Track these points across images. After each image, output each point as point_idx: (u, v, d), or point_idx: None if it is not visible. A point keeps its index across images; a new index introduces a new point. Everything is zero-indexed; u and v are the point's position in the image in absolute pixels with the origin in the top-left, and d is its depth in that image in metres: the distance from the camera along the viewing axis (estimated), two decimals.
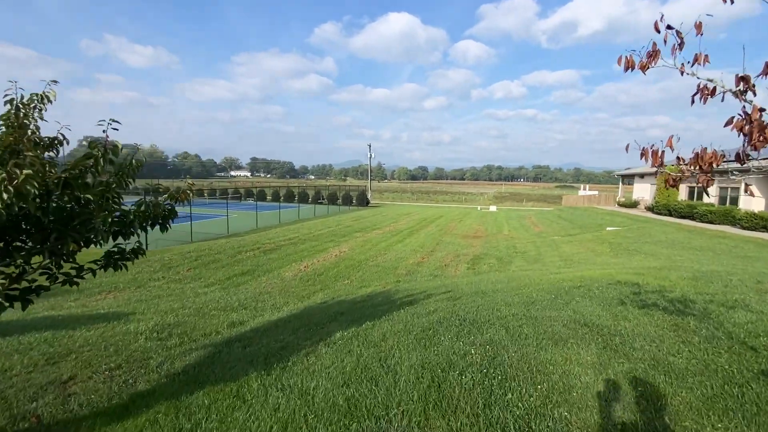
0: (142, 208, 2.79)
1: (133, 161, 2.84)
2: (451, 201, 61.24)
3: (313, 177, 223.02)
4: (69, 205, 2.47)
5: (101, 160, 2.43)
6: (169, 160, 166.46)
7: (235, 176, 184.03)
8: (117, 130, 2.71)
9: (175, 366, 4.17)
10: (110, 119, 2.71)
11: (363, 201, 42.27)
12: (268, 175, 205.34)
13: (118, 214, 2.69)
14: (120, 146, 2.63)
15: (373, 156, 52.44)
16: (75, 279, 2.66)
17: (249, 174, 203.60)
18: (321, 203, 39.02)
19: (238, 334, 5.57)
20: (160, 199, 2.83)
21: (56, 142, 3.13)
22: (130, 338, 5.32)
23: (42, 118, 3.25)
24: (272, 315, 7.08)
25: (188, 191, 2.86)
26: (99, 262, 2.81)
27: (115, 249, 2.82)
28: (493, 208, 43.45)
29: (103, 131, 2.63)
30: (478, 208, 45.37)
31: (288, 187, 42.92)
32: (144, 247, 2.98)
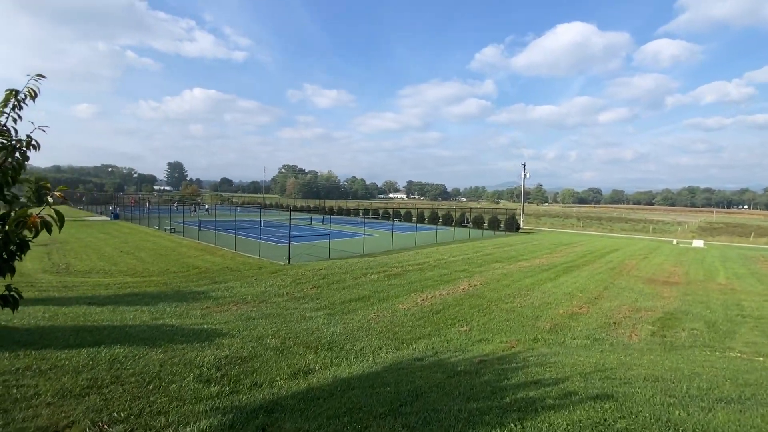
0: None
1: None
2: (632, 231, 49.55)
3: (464, 199, 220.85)
4: None
5: None
6: (341, 183, 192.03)
7: (392, 198, 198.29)
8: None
9: None
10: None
11: (512, 226, 37.97)
12: (421, 197, 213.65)
13: None
14: None
15: (527, 176, 47.22)
16: None
17: (404, 196, 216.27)
18: (465, 226, 36.76)
19: (285, 395, 4.31)
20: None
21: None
22: (184, 373, 4.71)
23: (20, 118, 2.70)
24: (350, 366, 5.67)
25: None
26: None
27: None
28: (698, 243, 32.60)
29: None
30: (674, 242, 34.88)
31: (433, 209, 42.32)
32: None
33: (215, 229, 23.97)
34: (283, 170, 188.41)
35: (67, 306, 8.48)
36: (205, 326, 7.49)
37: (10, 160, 1.85)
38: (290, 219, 17.52)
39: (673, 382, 4.42)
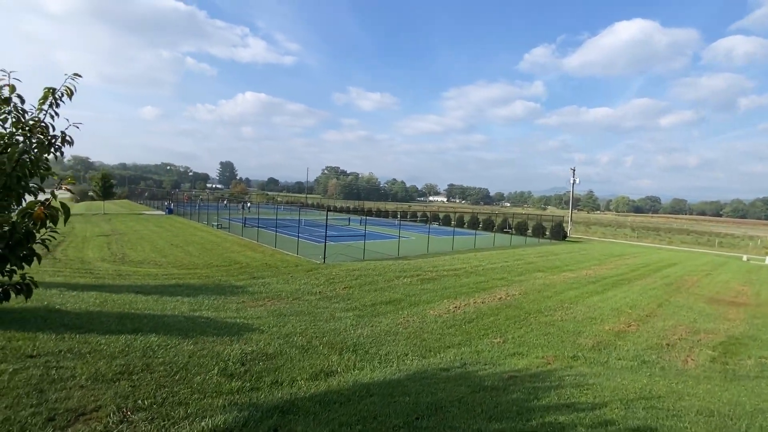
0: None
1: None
2: (695, 244, 45.31)
3: (508, 204, 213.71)
4: None
5: None
6: (381, 185, 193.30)
7: (432, 201, 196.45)
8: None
9: None
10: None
11: (559, 233, 36.06)
12: (463, 201, 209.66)
13: None
14: None
15: (577, 182, 44.69)
16: None
17: (445, 200, 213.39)
18: (506, 232, 35.45)
19: (303, 396, 4.27)
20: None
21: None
22: (210, 366, 4.82)
23: (57, 115, 2.85)
24: (372, 371, 5.54)
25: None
26: None
27: None
28: None
29: None
30: (744, 258, 31.41)
31: (473, 213, 41.26)
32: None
33: (258, 226, 24.93)
34: (325, 171, 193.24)
35: (117, 293, 9.10)
36: (238, 320, 7.70)
37: (38, 153, 1.92)
38: (326, 219, 17.79)
39: (732, 419, 3.85)
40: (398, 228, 25.64)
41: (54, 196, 1.83)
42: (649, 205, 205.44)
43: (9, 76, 2.60)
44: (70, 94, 2.89)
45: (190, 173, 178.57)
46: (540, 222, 36.66)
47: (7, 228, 1.64)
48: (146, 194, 62.79)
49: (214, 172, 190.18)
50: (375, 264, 16.43)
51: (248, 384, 4.45)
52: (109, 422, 3.24)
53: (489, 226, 39.32)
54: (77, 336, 5.15)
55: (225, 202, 46.22)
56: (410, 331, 8.26)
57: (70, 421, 3.17)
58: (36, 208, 1.70)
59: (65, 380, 3.84)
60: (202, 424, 3.35)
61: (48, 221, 1.78)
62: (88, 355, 4.53)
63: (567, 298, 12.61)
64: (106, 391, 3.76)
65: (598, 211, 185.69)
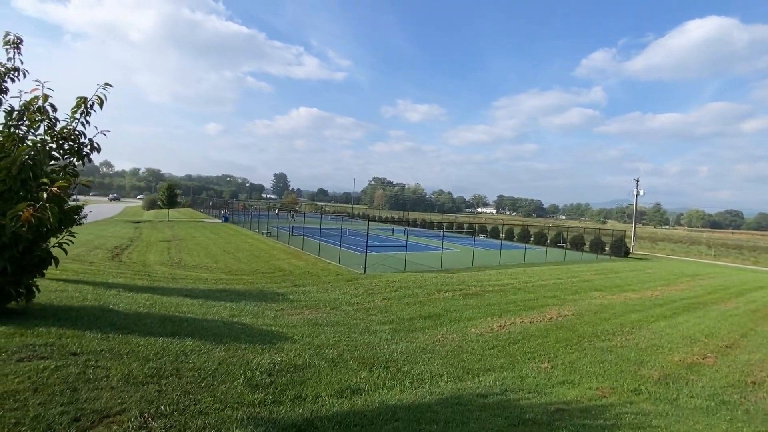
0: None
1: None
2: None
3: (563, 217, 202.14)
4: None
5: None
6: (427, 196, 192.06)
7: (480, 213, 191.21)
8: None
9: None
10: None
11: (620, 249, 33.16)
12: (513, 213, 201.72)
13: None
14: None
15: (641, 193, 41.04)
16: None
17: (494, 211, 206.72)
18: (560, 247, 33.26)
19: (324, 414, 4.06)
20: None
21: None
22: (237, 374, 4.79)
23: (88, 123, 2.94)
24: (402, 391, 5.21)
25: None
26: None
27: None
28: None
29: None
30: None
31: (524, 226, 39.33)
32: None
33: (303, 235, 25.60)
34: (372, 182, 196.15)
35: (167, 296, 9.60)
36: (273, 328, 7.74)
37: (41, 157, 1.95)
38: (368, 228, 17.77)
39: None
40: (441, 239, 25.00)
41: (42, 198, 1.81)
42: (728, 220, 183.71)
43: (43, 86, 2.70)
44: (101, 103, 2.99)
45: (247, 184, 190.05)
46: (598, 236, 34.00)
47: None
48: (210, 203, 67.57)
49: (268, 183, 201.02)
50: (416, 276, 16.04)
51: (271, 397, 4.33)
52: (129, 427, 3.24)
53: (541, 239, 37.24)
54: (120, 336, 5.40)
55: (276, 211, 48.45)
56: (448, 350, 7.79)
57: (94, 423, 3.22)
58: (24, 211, 1.69)
59: (99, 380, 3.97)
60: None
61: (35, 223, 1.75)
62: (125, 356, 4.69)
63: (628, 321, 11.34)
64: (133, 394, 3.81)
65: (667, 226, 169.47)
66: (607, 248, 33.58)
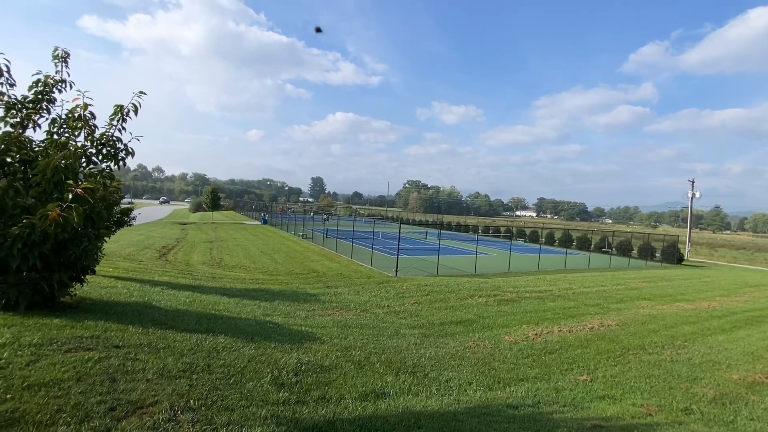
0: None
1: None
2: None
3: (610, 221, 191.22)
4: None
5: None
6: (463, 199, 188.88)
7: (519, 216, 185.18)
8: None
9: None
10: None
11: (672, 256, 30.80)
12: (555, 217, 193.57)
13: None
14: None
15: (697, 195, 37.91)
16: None
17: (534, 214, 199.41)
18: (605, 252, 31.43)
19: (346, 417, 4.04)
20: None
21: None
22: (264, 372, 4.89)
23: (124, 129, 3.11)
24: (428, 397, 5.08)
25: None
26: None
27: None
28: None
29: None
30: None
31: (565, 230, 37.56)
32: None
33: (337, 237, 25.98)
34: (407, 185, 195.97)
35: (206, 294, 10.05)
36: (304, 328, 7.87)
37: (72, 162, 2.08)
38: (399, 231, 17.70)
39: None
40: (476, 243, 24.41)
41: (67, 198, 1.92)
42: None
43: (83, 96, 2.89)
44: (136, 111, 3.16)
45: (286, 188, 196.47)
46: (648, 242, 31.79)
47: (27, 230, 1.76)
48: (252, 206, 70.51)
49: (306, 187, 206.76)
50: (448, 280, 15.76)
51: (295, 396, 4.38)
52: (159, 419, 3.38)
53: (584, 244, 35.43)
54: (159, 331, 5.69)
55: (311, 214, 49.64)
56: (479, 357, 7.55)
57: (128, 413, 3.39)
58: (52, 211, 1.80)
59: (136, 372, 4.19)
60: None
61: (62, 222, 1.86)
62: (161, 351, 4.92)
63: (680, 334, 10.46)
64: (166, 387, 3.98)
65: (728, 231, 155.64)
66: (657, 254, 31.31)
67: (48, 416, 3.05)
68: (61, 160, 1.97)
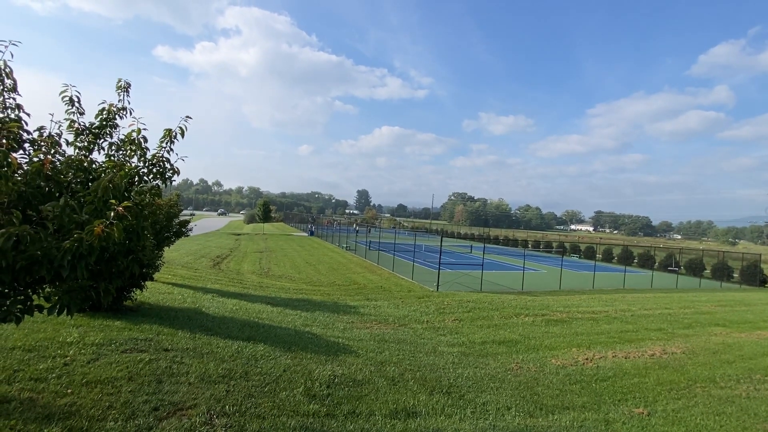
0: None
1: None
2: None
3: (678, 236, 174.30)
4: None
5: None
6: (512, 212, 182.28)
7: (574, 230, 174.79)
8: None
9: None
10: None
11: (754, 277, 27.31)
12: (615, 231, 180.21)
13: None
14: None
15: None
16: None
17: (591, 229, 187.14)
18: (672, 271, 28.62)
19: None
20: None
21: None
22: (298, 383, 5.00)
23: (172, 150, 3.42)
24: (461, 420, 4.89)
25: None
26: None
27: None
28: None
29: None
30: None
31: (625, 245, 34.82)
32: None
33: (379, 249, 26.15)
34: (452, 197, 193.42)
35: (252, 302, 10.53)
36: (340, 340, 7.95)
37: (119, 180, 2.33)
38: (441, 244, 17.44)
39: None
40: (523, 258, 23.35)
41: (108, 216, 2.13)
42: None
43: (137, 121, 3.22)
44: (182, 133, 3.45)
45: (333, 200, 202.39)
46: (723, 260, 28.51)
47: (76, 244, 1.99)
48: (300, 218, 73.39)
49: (352, 199, 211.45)
50: (493, 297, 15.19)
51: (325, 409, 4.42)
52: (196, 422, 3.58)
53: (647, 262, 32.59)
54: (205, 337, 6.05)
55: (355, 226, 50.55)
56: (521, 380, 7.14)
57: (169, 414, 3.62)
58: (97, 227, 2.01)
59: (180, 375, 4.47)
60: None
61: (104, 236, 2.07)
62: (205, 356, 5.22)
63: (760, 366, 9.18)
64: (205, 392, 4.21)
65: None
66: (735, 275, 27.94)
67: (100, 412, 3.35)
68: (110, 181, 2.23)
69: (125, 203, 2.15)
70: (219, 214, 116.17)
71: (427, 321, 11.24)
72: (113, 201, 2.13)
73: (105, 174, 2.66)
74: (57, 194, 2.30)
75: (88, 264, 2.05)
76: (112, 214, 2.07)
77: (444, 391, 5.93)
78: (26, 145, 2.76)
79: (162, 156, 3.28)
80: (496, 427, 4.85)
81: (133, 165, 3.11)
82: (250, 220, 71.63)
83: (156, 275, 10.86)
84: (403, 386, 5.81)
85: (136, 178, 3.12)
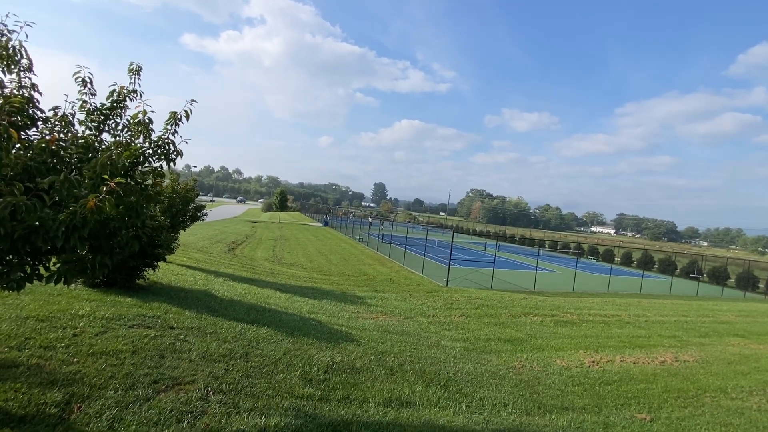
0: None
1: None
2: None
3: (705, 243, 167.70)
4: None
5: None
6: (531, 210, 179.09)
7: (594, 232, 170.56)
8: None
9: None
10: None
11: None
12: (637, 235, 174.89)
13: None
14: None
15: None
16: None
17: (612, 231, 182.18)
18: (693, 279, 27.64)
19: (364, 421, 4.05)
20: None
21: None
22: (296, 367, 5.11)
23: (177, 132, 3.52)
24: (455, 413, 4.90)
25: None
26: None
27: None
28: None
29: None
30: None
31: (645, 250, 33.76)
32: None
33: (391, 242, 26.19)
34: (470, 194, 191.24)
35: (262, 288, 10.76)
36: (344, 329, 8.05)
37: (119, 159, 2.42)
38: (452, 240, 17.32)
39: None
40: (536, 258, 22.99)
41: (101, 191, 2.22)
42: None
43: (143, 103, 3.31)
44: (187, 116, 3.54)
45: (350, 192, 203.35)
46: (749, 269, 27.33)
47: (70, 216, 2.08)
48: (316, 208, 74.20)
49: (368, 192, 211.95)
50: (503, 295, 15.04)
51: (320, 393, 4.51)
52: (192, 396, 3.71)
53: (668, 267, 31.57)
54: (210, 318, 6.23)
55: (369, 219, 50.76)
56: (522, 378, 7.09)
57: (167, 387, 3.77)
58: (90, 200, 2.10)
59: (182, 352, 4.64)
60: (259, 420, 3.51)
61: (96, 210, 2.15)
62: (208, 335, 5.39)
63: None
64: (204, 369, 4.36)
65: None
66: (761, 285, 26.78)
67: (102, 381, 3.51)
68: (108, 158, 2.32)
69: (118, 179, 2.24)
70: (238, 202, 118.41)
71: (433, 315, 11.23)
72: (106, 176, 2.22)
73: (109, 151, 2.75)
74: (61, 169, 2.41)
75: (81, 236, 2.15)
76: (104, 189, 2.16)
77: (441, 384, 5.95)
78: (39, 123, 2.89)
79: (167, 138, 3.36)
80: (490, 423, 4.84)
81: (138, 145, 3.21)
82: (268, 208, 72.81)
83: (171, 257, 11.22)
84: (400, 376, 5.85)
85: (141, 158, 3.21)
